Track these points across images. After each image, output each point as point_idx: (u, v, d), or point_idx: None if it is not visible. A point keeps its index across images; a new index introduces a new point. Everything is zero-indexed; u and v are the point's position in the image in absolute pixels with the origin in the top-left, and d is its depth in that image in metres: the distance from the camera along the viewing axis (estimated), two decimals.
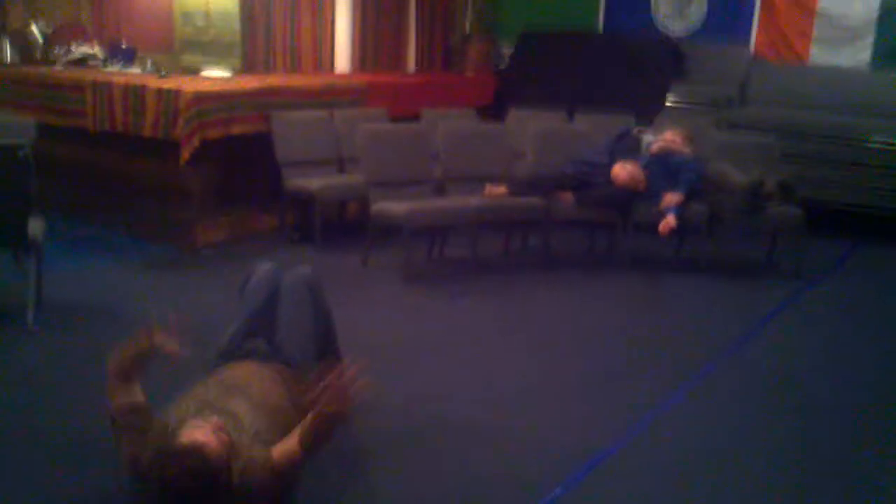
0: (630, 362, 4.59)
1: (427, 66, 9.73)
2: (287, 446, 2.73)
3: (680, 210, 6.05)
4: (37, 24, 7.20)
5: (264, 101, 6.56)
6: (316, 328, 3.47)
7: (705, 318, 5.42)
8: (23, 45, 7.18)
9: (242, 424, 2.84)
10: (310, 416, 2.73)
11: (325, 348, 3.53)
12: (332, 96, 7.23)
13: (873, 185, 7.61)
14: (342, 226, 7.01)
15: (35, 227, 4.60)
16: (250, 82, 6.80)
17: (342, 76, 8.43)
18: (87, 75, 6.55)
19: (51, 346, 4.36)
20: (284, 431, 3.03)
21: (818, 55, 8.60)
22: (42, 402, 3.74)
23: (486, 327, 5.04)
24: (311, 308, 3.49)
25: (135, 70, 7.05)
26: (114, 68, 7.06)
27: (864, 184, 7.64)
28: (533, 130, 6.76)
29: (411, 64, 9.58)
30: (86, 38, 7.29)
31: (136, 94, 6.14)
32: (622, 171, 6.18)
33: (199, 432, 2.51)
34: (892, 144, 7.57)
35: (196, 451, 2.46)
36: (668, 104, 8.39)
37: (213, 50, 7.50)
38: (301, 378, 3.30)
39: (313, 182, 6.40)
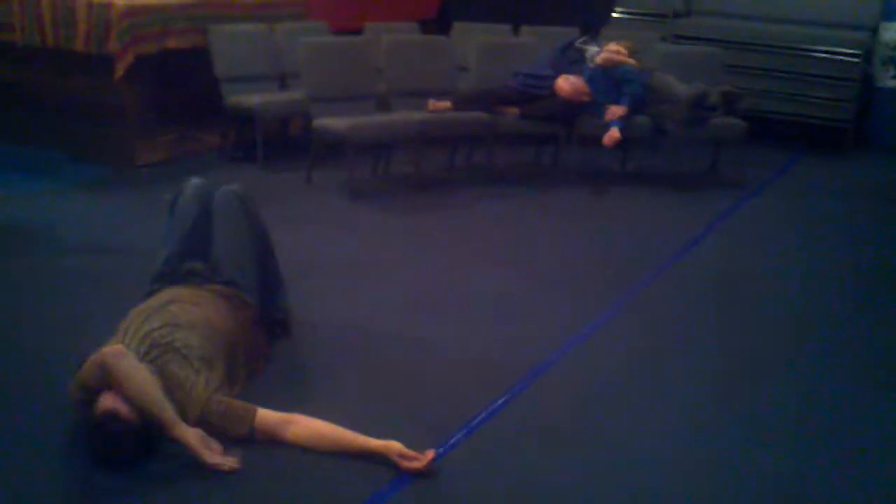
0: (574, 274, 4.63)
1: None
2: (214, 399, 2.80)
3: (624, 122, 6.05)
4: None
5: (201, 14, 6.37)
6: (253, 245, 3.41)
7: (649, 229, 5.47)
8: None
9: (188, 355, 2.86)
10: (221, 408, 2.78)
11: (265, 266, 3.48)
12: (271, 9, 7.04)
13: (814, 95, 7.69)
14: (285, 143, 6.91)
15: None
16: None
17: None
18: None
19: None
20: (228, 351, 3.04)
21: None
22: None
23: (430, 243, 5.03)
24: (247, 225, 3.41)
25: None
26: None
27: (805, 94, 7.71)
28: (477, 44, 6.66)
29: None
30: None
31: (65, 6, 5.92)
32: (566, 83, 6.14)
33: (111, 401, 2.62)
34: (835, 54, 7.62)
35: (109, 417, 2.61)
36: (613, 16, 8.32)
37: None
38: (242, 296, 3.28)
39: (254, 98, 6.26)
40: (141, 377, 2.66)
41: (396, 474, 2.68)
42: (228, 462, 2.66)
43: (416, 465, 2.67)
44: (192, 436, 2.65)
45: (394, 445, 2.71)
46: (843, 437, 3.12)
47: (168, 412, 2.64)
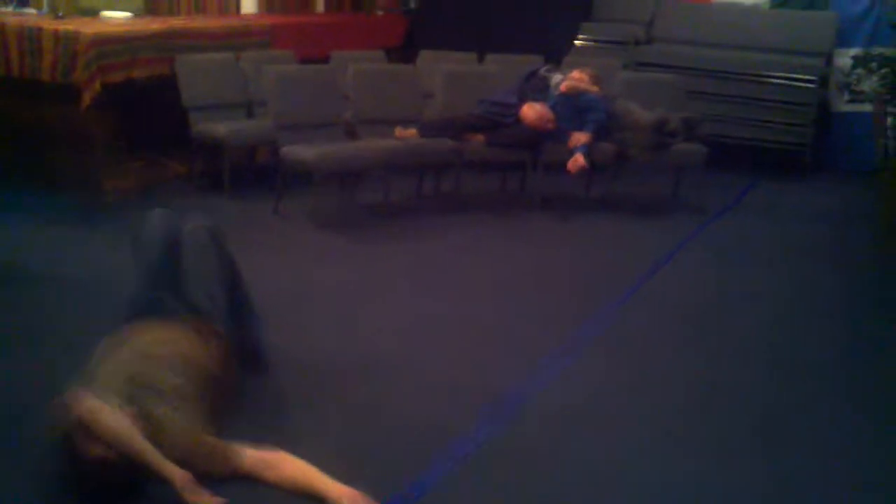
0: (543, 300, 4.69)
1: (336, 6, 9.59)
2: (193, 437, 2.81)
3: (588, 149, 6.15)
4: None
5: (168, 44, 6.40)
6: (223, 278, 3.42)
7: (615, 254, 5.56)
8: None
9: (168, 398, 2.85)
10: (206, 450, 2.79)
11: (234, 295, 3.49)
12: (237, 38, 7.08)
13: (772, 120, 7.86)
14: (252, 171, 6.93)
15: None
16: (153, 24, 6.61)
17: (248, 17, 8.25)
18: None
19: None
20: (206, 387, 3.03)
21: None
22: None
23: (398, 271, 5.07)
24: (216, 259, 3.42)
25: (30, 11, 6.78)
26: (7, 9, 6.77)
27: (763, 120, 7.88)
28: (443, 72, 6.75)
29: (320, 4, 9.42)
30: None
31: (31, 36, 5.90)
32: (530, 110, 6.24)
33: (98, 446, 2.62)
34: (790, 81, 7.81)
35: (100, 463, 2.61)
36: (576, 44, 8.46)
37: None
38: (212, 328, 3.29)
39: (221, 127, 6.29)
40: (121, 429, 2.64)
41: None
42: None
43: None
44: (179, 479, 2.64)
45: (348, 495, 2.67)
46: (815, 457, 3.18)
47: (155, 457, 2.63)
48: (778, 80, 7.86)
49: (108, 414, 2.66)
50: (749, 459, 3.15)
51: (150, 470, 2.65)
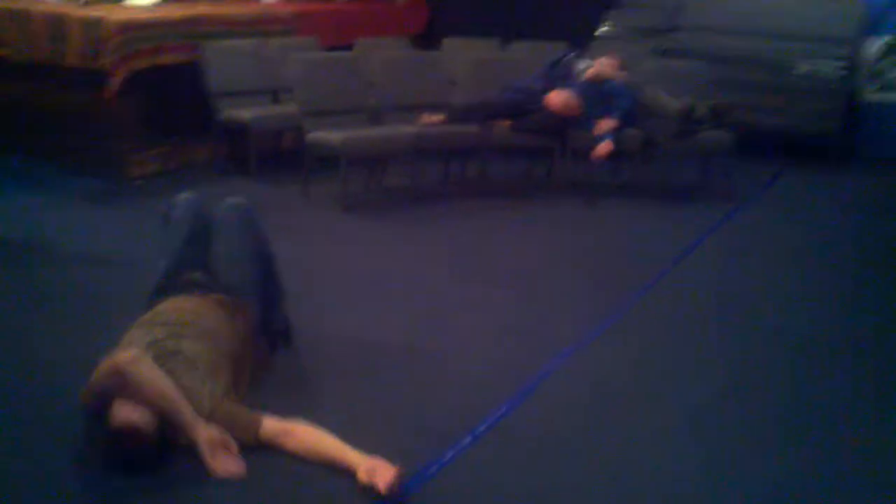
0: (568, 286, 4.67)
1: None
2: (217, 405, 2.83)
3: (614, 136, 6.11)
4: None
5: (193, 31, 6.41)
6: (255, 257, 3.44)
7: (641, 241, 5.52)
8: None
9: (195, 364, 2.89)
10: (228, 416, 2.81)
11: (266, 277, 3.50)
12: (262, 25, 7.09)
13: (799, 109, 7.78)
14: (277, 157, 6.93)
15: None
16: (178, 11, 6.62)
17: (272, 5, 8.23)
18: (3, 3, 6.29)
19: None
20: (232, 360, 3.06)
21: None
22: None
23: (425, 255, 5.06)
24: (249, 237, 3.45)
25: None
26: None
27: (790, 108, 7.80)
28: (467, 59, 6.73)
29: None
30: None
31: (58, 23, 5.94)
32: (556, 97, 6.21)
33: (126, 412, 2.64)
34: (818, 70, 7.73)
35: (128, 428, 2.63)
36: (601, 31, 8.41)
37: None
38: (242, 306, 3.30)
39: (247, 112, 6.30)
40: (160, 380, 2.70)
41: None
42: (234, 470, 2.69)
43: (379, 484, 2.60)
44: (206, 439, 2.68)
45: (367, 462, 2.66)
46: (840, 445, 3.15)
47: (187, 413, 2.69)
48: (806, 68, 7.77)
49: (147, 363, 2.70)
50: (770, 447, 3.12)
51: (182, 427, 2.67)
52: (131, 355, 2.71)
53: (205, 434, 2.70)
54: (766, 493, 2.82)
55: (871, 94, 8.08)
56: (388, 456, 2.69)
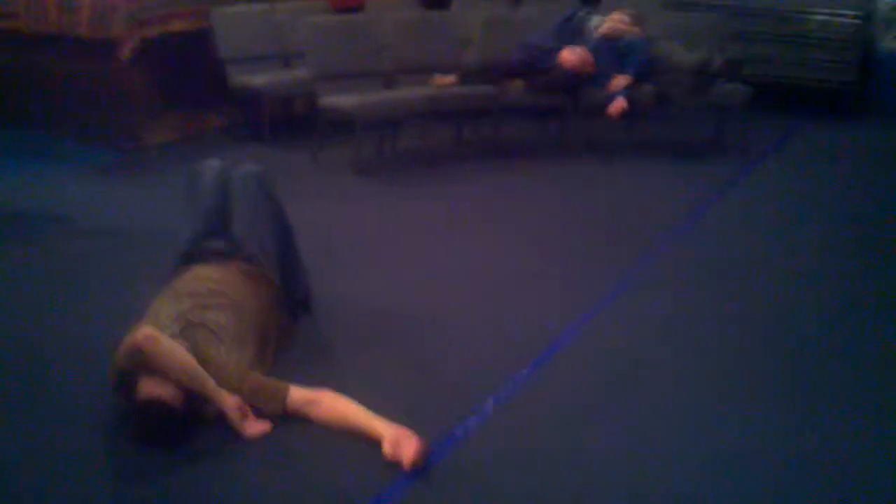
0: (584, 246, 4.67)
1: None
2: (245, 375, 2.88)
3: (629, 92, 6.07)
4: None
5: None
6: (272, 225, 3.45)
7: (656, 198, 5.51)
8: None
9: (221, 335, 2.92)
10: (254, 386, 2.84)
11: (284, 245, 3.52)
12: None
13: (814, 59, 7.69)
14: (290, 122, 6.91)
15: None
16: None
17: None
18: None
19: (6, 257, 4.30)
20: (257, 330, 3.10)
21: None
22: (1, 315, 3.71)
23: (439, 218, 5.07)
24: (266, 205, 3.46)
25: None
26: None
27: (805, 58, 7.71)
28: (479, 18, 6.67)
29: None
30: None
31: None
32: (570, 54, 6.16)
33: (152, 386, 2.68)
34: (833, 17, 7.62)
35: (154, 403, 2.68)
36: None
37: None
38: (264, 273, 3.32)
39: (259, 78, 6.28)
40: (178, 354, 2.73)
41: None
42: (263, 430, 2.76)
43: (403, 458, 2.62)
44: (231, 406, 2.73)
45: (391, 433, 2.68)
46: (848, 428, 3.11)
47: (209, 383, 2.73)
48: (820, 17, 7.67)
49: (166, 339, 2.73)
50: (792, 404, 3.14)
51: (206, 397, 2.72)
52: (149, 332, 2.73)
53: (230, 400, 2.75)
54: (780, 451, 2.84)
55: (889, 43, 7.97)
56: (411, 423, 2.72)
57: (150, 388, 2.69)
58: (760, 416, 3.02)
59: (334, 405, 2.83)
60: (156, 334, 2.74)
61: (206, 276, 3.17)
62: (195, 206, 3.46)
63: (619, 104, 6.02)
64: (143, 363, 2.70)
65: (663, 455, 2.81)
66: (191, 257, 3.33)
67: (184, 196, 3.51)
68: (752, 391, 3.20)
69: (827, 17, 7.65)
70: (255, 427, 2.77)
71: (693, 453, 2.82)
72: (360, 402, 2.84)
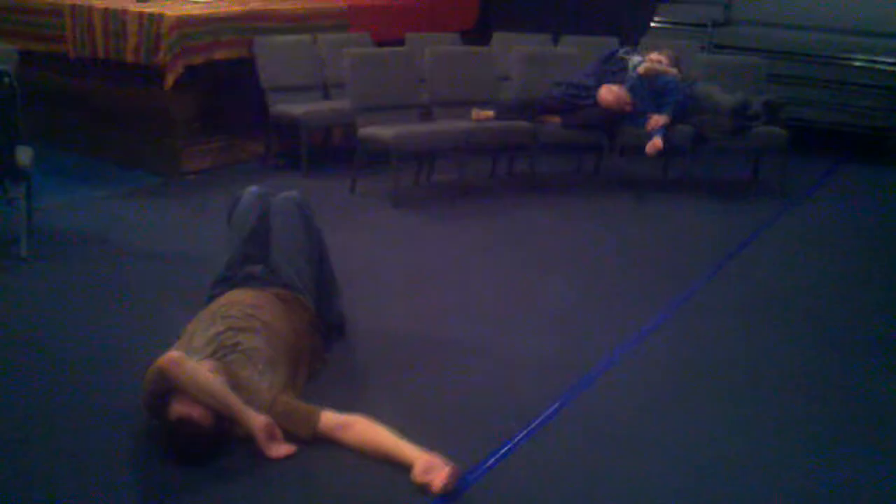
0: (618, 281, 4.66)
1: None
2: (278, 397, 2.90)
3: (666, 131, 6.07)
4: None
5: (247, 26, 6.48)
6: (311, 250, 3.49)
7: (692, 237, 5.48)
8: None
9: (254, 358, 2.95)
10: (286, 409, 2.87)
11: (321, 270, 3.55)
12: (314, 20, 7.13)
13: (855, 104, 7.65)
14: (327, 151, 6.98)
15: (23, 155, 4.56)
16: (232, 6, 6.69)
17: (324, 0, 8.28)
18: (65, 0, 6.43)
19: (45, 276, 4.37)
20: (290, 354, 3.11)
21: None
22: (40, 332, 3.75)
23: (475, 250, 5.08)
24: (303, 231, 3.51)
25: None
26: None
27: (846, 103, 7.68)
28: (518, 54, 6.72)
29: None
30: None
31: (116, 18, 6.05)
32: (608, 93, 6.18)
33: (183, 406, 2.71)
34: (874, 63, 7.59)
35: (185, 422, 2.71)
36: (653, 25, 8.33)
37: None
38: (300, 299, 3.34)
39: (298, 107, 6.36)
40: (202, 378, 2.74)
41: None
42: (287, 452, 2.78)
43: (433, 484, 2.62)
44: (260, 427, 2.75)
45: (422, 460, 2.68)
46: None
47: (236, 404, 2.75)
48: (861, 63, 7.65)
49: (189, 363, 2.76)
50: (829, 443, 3.10)
51: (233, 418, 2.73)
52: (174, 356, 2.77)
53: (257, 420, 2.76)
54: (823, 491, 2.79)
55: None
56: (443, 450, 2.71)
57: (180, 407, 2.71)
58: (799, 451, 2.97)
59: (365, 430, 2.83)
60: (180, 358, 2.76)
61: (241, 300, 3.19)
62: (235, 232, 3.50)
63: (655, 143, 6.02)
64: (169, 385, 2.72)
65: (700, 484, 2.77)
66: (228, 282, 3.36)
67: (225, 222, 3.56)
68: (790, 425, 3.16)
69: (868, 62, 7.62)
70: (280, 448, 2.78)
71: (726, 489, 2.77)
72: (391, 427, 2.84)
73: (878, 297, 4.62)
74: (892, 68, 7.56)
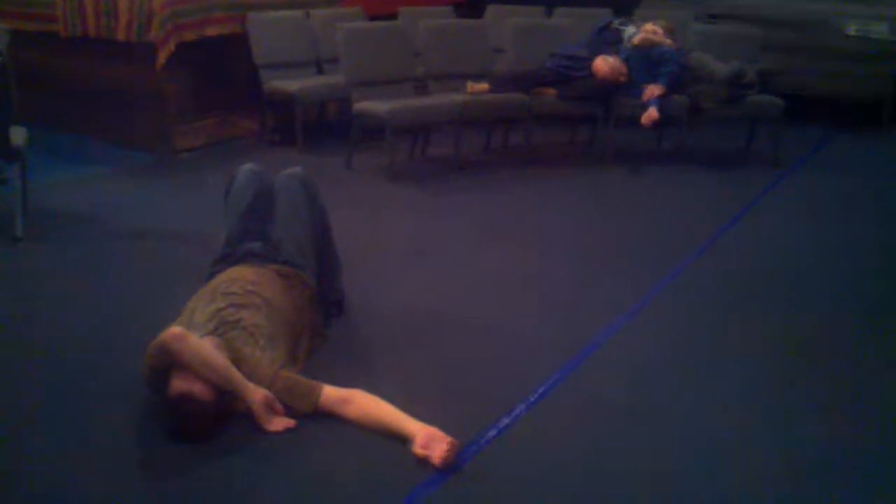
0: (616, 253, 4.67)
1: None
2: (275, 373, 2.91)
3: (661, 102, 6.07)
4: None
5: (239, 2, 6.45)
6: (313, 227, 3.49)
7: (688, 208, 5.49)
8: None
9: (254, 334, 2.96)
10: (288, 384, 2.88)
11: (323, 247, 3.55)
12: None
13: (849, 72, 7.64)
14: (322, 127, 6.97)
15: (17, 135, 4.55)
16: None
17: None
18: None
19: (41, 256, 4.38)
20: (290, 330, 3.13)
21: None
22: (38, 311, 3.76)
23: (471, 224, 5.08)
24: (307, 208, 3.51)
25: None
26: None
27: (840, 72, 7.66)
28: (512, 26, 6.69)
29: None
30: None
31: None
32: (604, 64, 6.16)
33: (184, 381, 2.72)
34: (868, 32, 7.57)
35: (186, 398, 2.72)
36: None
37: None
38: (301, 276, 3.35)
39: (293, 84, 6.33)
40: (205, 353, 2.76)
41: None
42: (286, 426, 2.81)
43: (433, 457, 2.63)
44: (259, 401, 2.78)
45: (422, 433, 2.70)
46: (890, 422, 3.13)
47: (237, 378, 2.77)
48: (856, 30, 7.62)
49: (192, 338, 2.77)
50: (839, 414, 3.12)
51: (234, 392, 2.75)
52: (176, 331, 2.78)
53: (257, 395, 2.78)
54: (834, 459, 2.81)
55: None
56: (443, 425, 2.73)
57: (181, 383, 2.72)
58: (794, 423, 3.00)
59: (366, 404, 2.85)
60: (183, 333, 2.78)
61: (241, 276, 3.20)
62: (232, 209, 3.50)
63: (651, 114, 6.02)
64: (171, 361, 2.73)
65: (694, 460, 2.79)
66: (228, 258, 3.36)
67: (222, 199, 3.56)
68: (786, 398, 3.18)
69: (863, 30, 7.60)
70: (279, 422, 2.81)
71: (724, 457, 2.80)
72: (391, 403, 2.85)
73: (870, 264, 4.63)
74: (886, 37, 7.54)
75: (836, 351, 3.60)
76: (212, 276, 3.26)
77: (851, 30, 7.62)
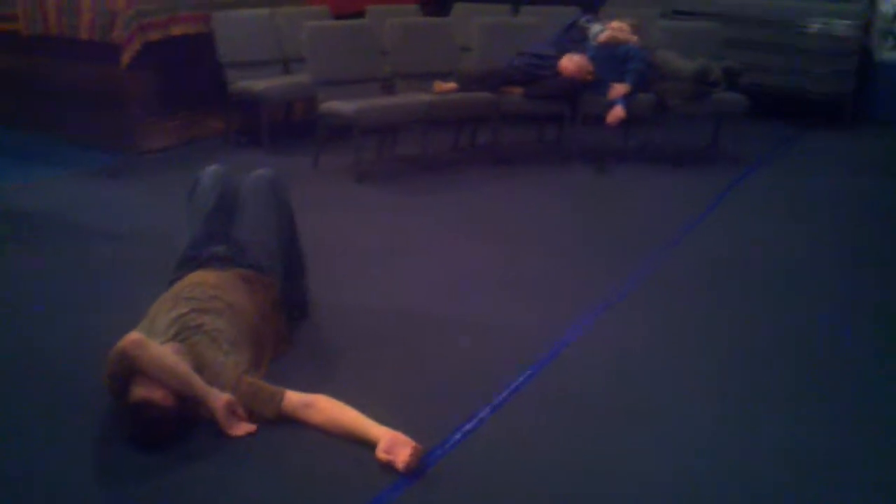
0: (583, 251, 4.68)
1: None
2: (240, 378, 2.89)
3: (627, 100, 6.10)
4: None
5: (204, 1, 6.40)
6: (280, 229, 3.47)
7: (654, 205, 5.53)
8: None
9: (217, 339, 2.94)
10: (251, 390, 2.86)
11: (290, 250, 3.53)
12: None
13: (813, 69, 7.72)
14: (289, 127, 6.94)
15: None
16: None
17: None
18: None
19: (5, 258, 4.31)
20: (253, 334, 3.11)
21: None
22: (2, 317, 3.71)
23: (439, 223, 5.08)
24: (275, 209, 3.48)
25: None
26: None
27: (804, 68, 7.75)
28: (478, 25, 6.70)
29: None
30: None
31: None
32: (570, 62, 6.18)
33: (144, 388, 2.70)
34: (831, 29, 7.66)
35: (146, 405, 2.70)
36: None
37: None
38: (264, 279, 3.33)
39: (259, 83, 6.30)
40: (164, 359, 2.73)
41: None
42: (247, 430, 2.79)
43: (396, 461, 2.62)
44: (221, 406, 2.76)
45: (386, 437, 2.69)
46: (865, 405, 3.18)
47: (198, 384, 2.75)
48: (818, 27, 7.71)
49: (151, 344, 2.75)
50: (808, 406, 3.15)
51: (195, 398, 2.73)
52: (135, 337, 2.75)
53: (219, 401, 2.76)
54: (803, 454, 2.83)
55: (886, 54, 8.01)
56: (408, 428, 2.72)
57: (141, 389, 2.70)
58: (755, 419, 3.03)
59: (329, 409, 2.84)
60: (141, 339, 2.75)
61: (204, 281, 3.17)
62: (195, 211, 3.47)
63: (617, 112, 6.05)
64: (129, 369, 2.71)
65: (668, 457, 2.81)
66: (191, 262, 3.33)
67: (185, 201, 3.52)
68: (759, 388, 3.21)
69: (825, 27, 7.69)
70: (241, 427, 2.79)
71: (696, 454, 2.82)
72: (357, 406, 2.84)
73: (833, 257, 4.69)
74: (847, 33, 7.63)
75: (805, 342, 3.64)
76: (175, 280, 3.23)
77: (813, 27, 7.70)
